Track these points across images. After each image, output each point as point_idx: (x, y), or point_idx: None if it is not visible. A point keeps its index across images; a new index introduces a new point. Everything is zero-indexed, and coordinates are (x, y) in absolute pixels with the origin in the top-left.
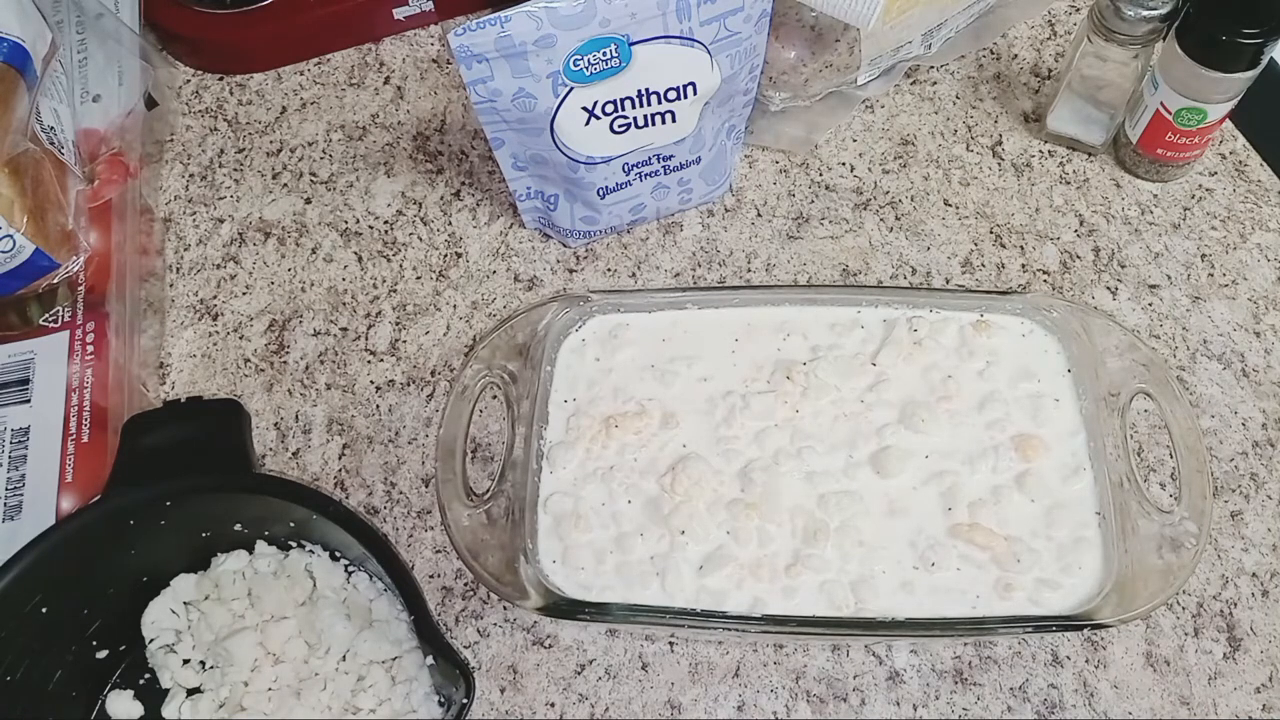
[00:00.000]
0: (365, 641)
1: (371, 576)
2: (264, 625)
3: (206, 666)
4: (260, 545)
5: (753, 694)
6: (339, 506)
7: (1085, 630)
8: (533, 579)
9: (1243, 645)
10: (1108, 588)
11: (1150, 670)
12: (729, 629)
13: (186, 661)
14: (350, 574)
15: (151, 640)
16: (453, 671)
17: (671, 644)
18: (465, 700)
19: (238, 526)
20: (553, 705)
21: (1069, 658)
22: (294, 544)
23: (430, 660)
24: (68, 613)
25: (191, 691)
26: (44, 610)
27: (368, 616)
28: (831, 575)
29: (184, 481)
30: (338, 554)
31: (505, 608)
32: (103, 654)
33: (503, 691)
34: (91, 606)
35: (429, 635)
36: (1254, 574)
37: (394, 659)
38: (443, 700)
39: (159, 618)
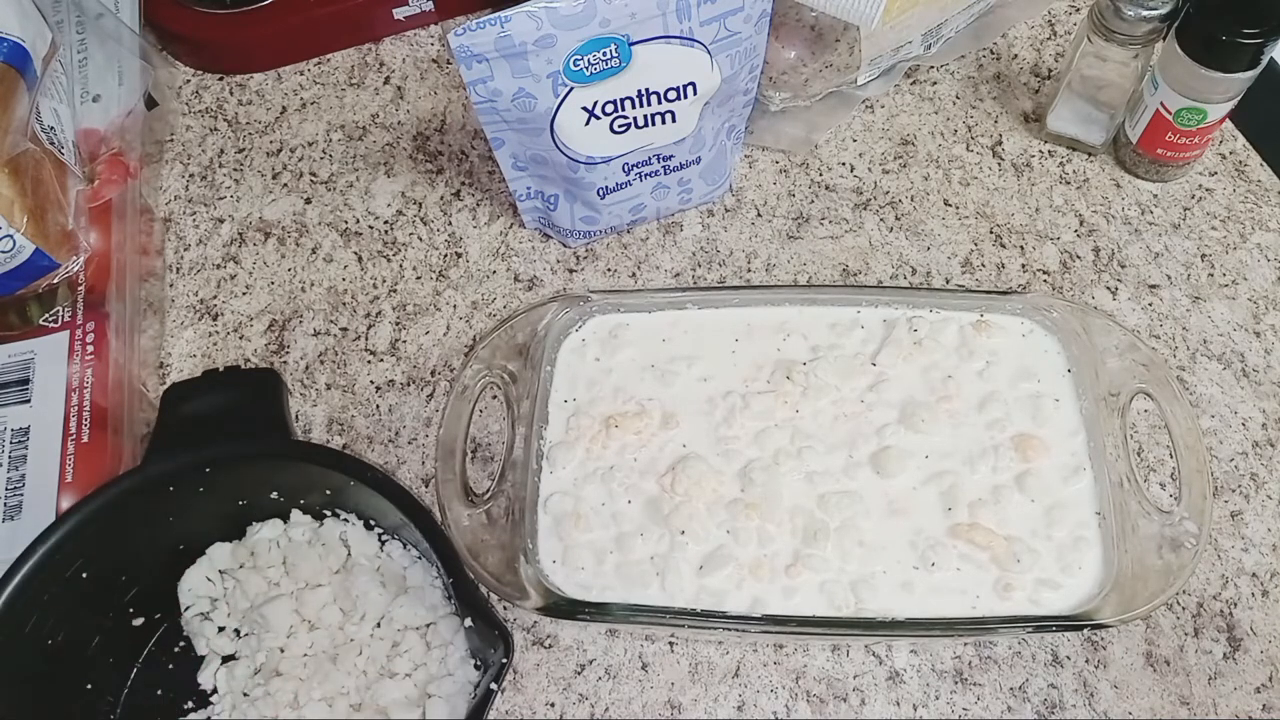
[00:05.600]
0: (400, 608)
1: (405, 544)
2: (299, 592)
3: (241, 634)
4: (295, 514)
5: (753, 694)
6: (377, 473)
7: (1085, 630)
8: (533, 579)
9: (1243, 645)
10: (1108, 588)
11: (1150, 670)
12: (729, 629)
13: (222, 629)
14: (384, 542)
15: (187, 608)
16: (491, 633)
17: (671, 644)
18: (505, 660)
19: (274, 494)
20: (553, 705)
21: (1069, 658)
22: (329, 513)
23: (467, 624)
24: (107, 578)
25: (227, 658)
26: (84, 575)
27: (402, 583)
28: (831, 575)
29: (224, 448)
30: (372, 522)
31: (505, 608)
32: (139, 621)
33: (503, 691)
34: (129, 573)
35: (467, 597)
36: (1254, 574)
37: (429, 624)
38: (479, 664)
39: (195, 585)
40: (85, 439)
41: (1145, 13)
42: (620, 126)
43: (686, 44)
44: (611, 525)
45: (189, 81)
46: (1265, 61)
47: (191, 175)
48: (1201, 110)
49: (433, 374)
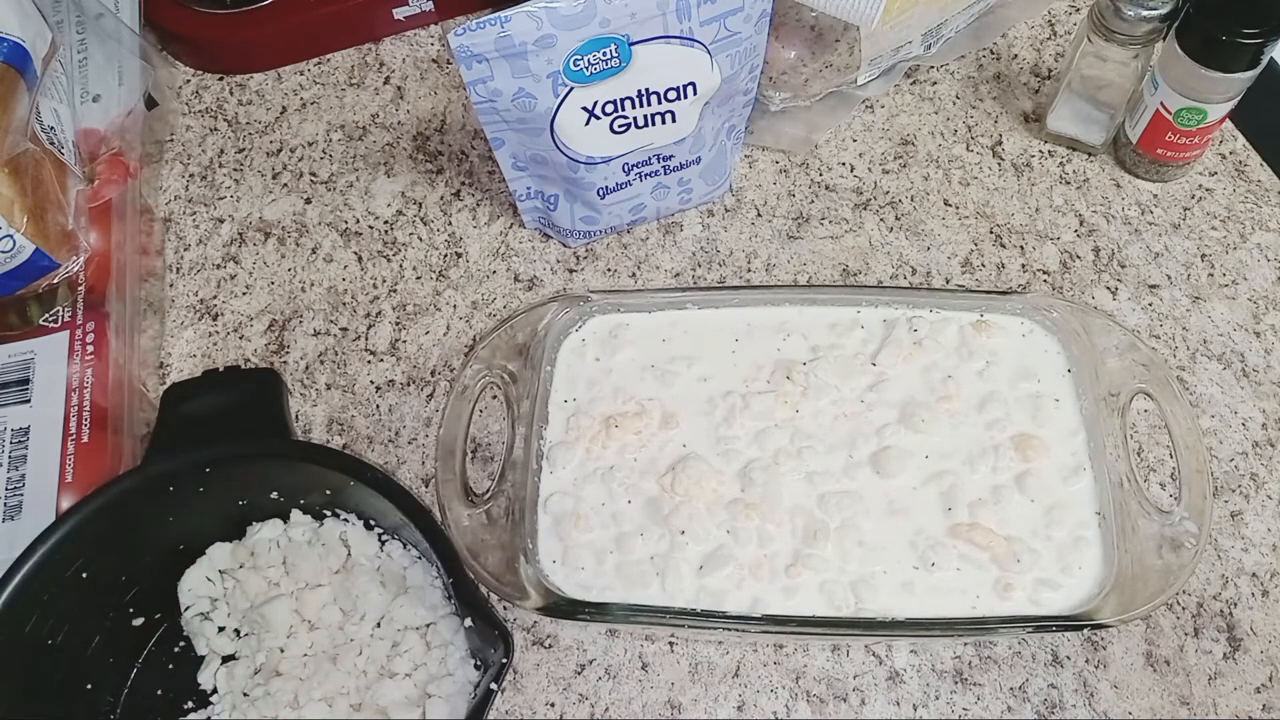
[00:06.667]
0: (400, 608)
1: (405, 545)
2: (299, 592)
3: (241, 634)
4: (295, 514)
5: (753, 694)
6: (377, 473)
7: (1085, 630)
8: (533, 579)
9: (1243, 645)
10: (1108, 588)
11: (1150, 670)
12: (729, 629)
13: (222, 629)
14: (384, 543)
15: (187, 608)
16: (491, 633)
17: (671, 644)
18: (505, 660)
19: (274, 494)
20: (553, 705)
21: (1069, 658)
22: (329, 513)
23: (467, 623)
24: (107, 578)
25: (227, 658)
26: (84, 575)
27: (402, 583)
28: (831, 575)
29: (225, 448)
30: (372, 522)
31: (505, 608)
32: (139, 621)
33: (503, 691)
34: (129, 573)
35: (467, 597)
36: (1254, 574)
37: (429, 624)
38: (478, 664)
39: (195, 585)
40: (85, 439)
41: (1145, 13)
42: (620, 126)
43: (686, 44)
44: (611, 525)
45: (189, 81)
46: (1265, 61)
47: (191, 175)
48: (1201, 110)
49: (433, 374)
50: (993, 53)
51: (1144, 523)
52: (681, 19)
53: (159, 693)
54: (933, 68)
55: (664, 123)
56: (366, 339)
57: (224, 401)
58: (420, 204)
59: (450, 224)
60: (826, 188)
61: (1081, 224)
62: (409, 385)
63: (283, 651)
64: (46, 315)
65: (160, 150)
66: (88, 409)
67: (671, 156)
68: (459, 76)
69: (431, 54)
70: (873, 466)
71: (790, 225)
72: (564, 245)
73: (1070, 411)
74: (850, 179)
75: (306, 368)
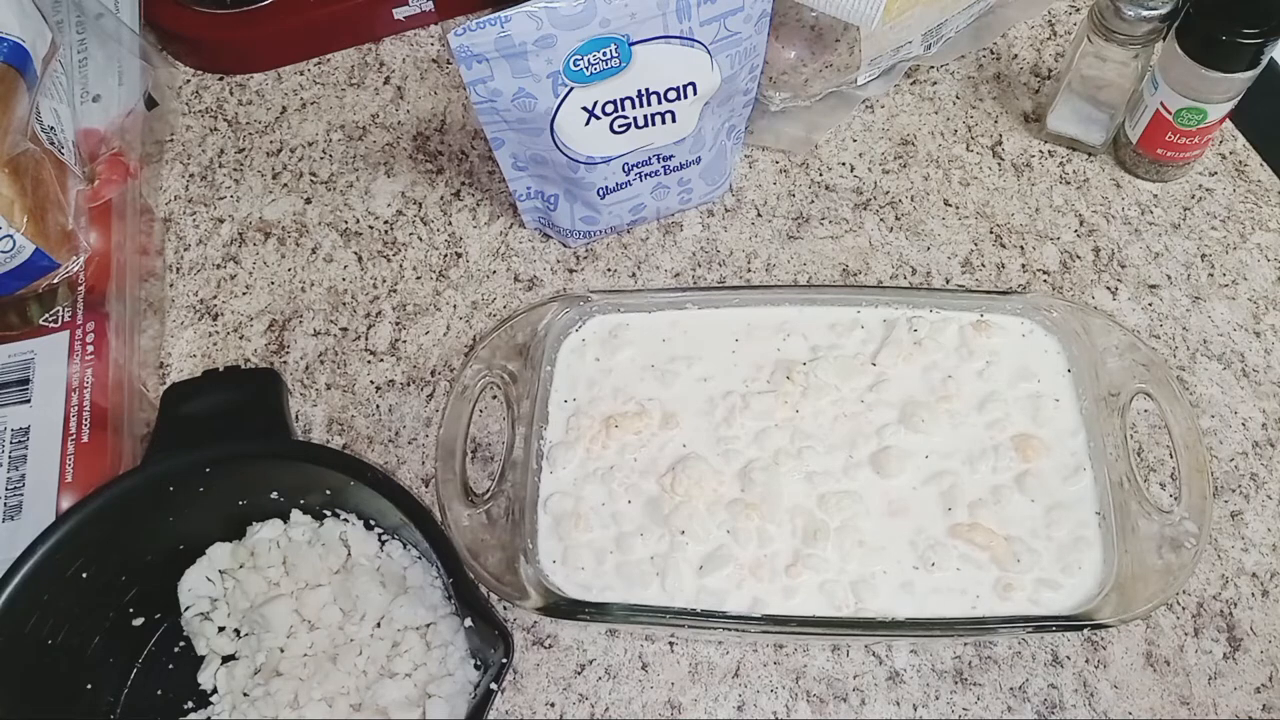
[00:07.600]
0: (400, 608)
1: (405, 545)
2: (299, 593)
3: (241, 634)
4: (295, 514)
5: (753, 694)
6: (377, 473)
7: (1085, 630)
8: (533, 579)
9: (1243, 645)
10: (1108, 588)
11: (1150, 670)
12: (729, 629)
13: (222, 629)
14: (384, 543)
15: (187, 608)
16: (491, 633)
17: (671, 644)
18: (505, 660)
19: (274, 494)
20: (553, 705)
21: (1069, 658)
22: (329, 513)
23: (468, 623)
24: (107, 578)
25: (227, 658)
26: (84, 575)
27: (402, 583)
28: (831, 575)
29: (225, 447)
30: (372, 522)
31: (505, 608)
32: (139, 621)
33: (503, 691)
34: (129, 573)
35: (468, 597)
36: (1254, 574)
37: (429, 624)
38: (479, 664)
39: (195, 585)
40: (85, 439)
41: (1145, 13)
42: (620, 126)
43: (686, 44)
44: (611, 525)
45: (189, 81)
46: (1265, 61)
47: (191, 175)
48: (1201, 110)
49: (433, 374)
50: (993, 53)
51: (1144, 523)
52: (681, 19)
53: (159, 693)
54: (933, 68)
55: (664, 123)
56: (366, 339)
57: (224, 401)
58: (420, 204)
59: (450, 224)
60: (826, 188)
61: (1081, 224)
62: (409, 385)
63: (283, 651)
64: (46, 315)
65: (160, 150)
66: (88, 409)
67: (671, 156)
68: (459, 76)
69: (431, 54)
70: (873, 466)
71: (790, 225)
72: (564, 245)
73: (1070, 411)
74: (850, 179)
75: (306, 368)
